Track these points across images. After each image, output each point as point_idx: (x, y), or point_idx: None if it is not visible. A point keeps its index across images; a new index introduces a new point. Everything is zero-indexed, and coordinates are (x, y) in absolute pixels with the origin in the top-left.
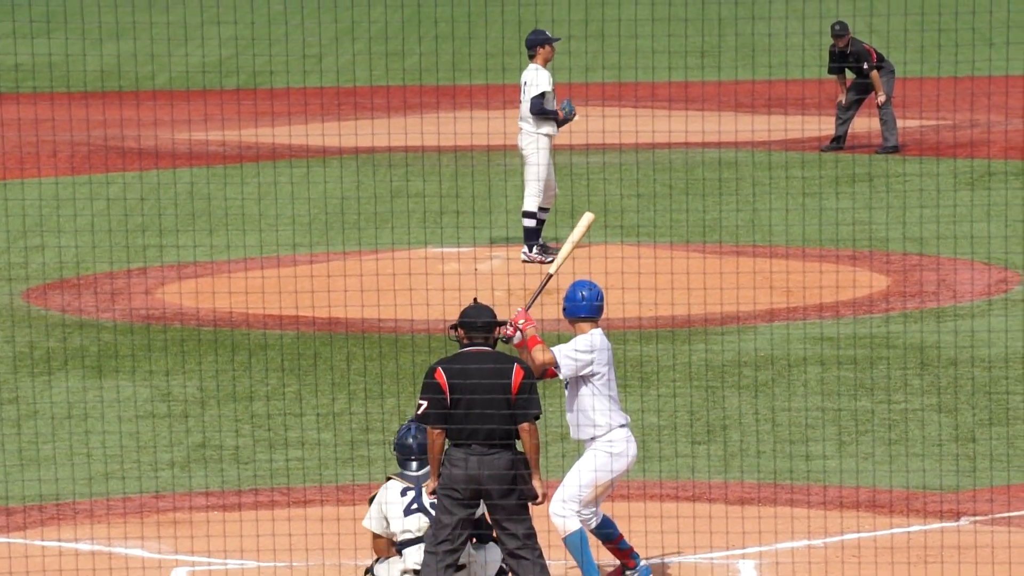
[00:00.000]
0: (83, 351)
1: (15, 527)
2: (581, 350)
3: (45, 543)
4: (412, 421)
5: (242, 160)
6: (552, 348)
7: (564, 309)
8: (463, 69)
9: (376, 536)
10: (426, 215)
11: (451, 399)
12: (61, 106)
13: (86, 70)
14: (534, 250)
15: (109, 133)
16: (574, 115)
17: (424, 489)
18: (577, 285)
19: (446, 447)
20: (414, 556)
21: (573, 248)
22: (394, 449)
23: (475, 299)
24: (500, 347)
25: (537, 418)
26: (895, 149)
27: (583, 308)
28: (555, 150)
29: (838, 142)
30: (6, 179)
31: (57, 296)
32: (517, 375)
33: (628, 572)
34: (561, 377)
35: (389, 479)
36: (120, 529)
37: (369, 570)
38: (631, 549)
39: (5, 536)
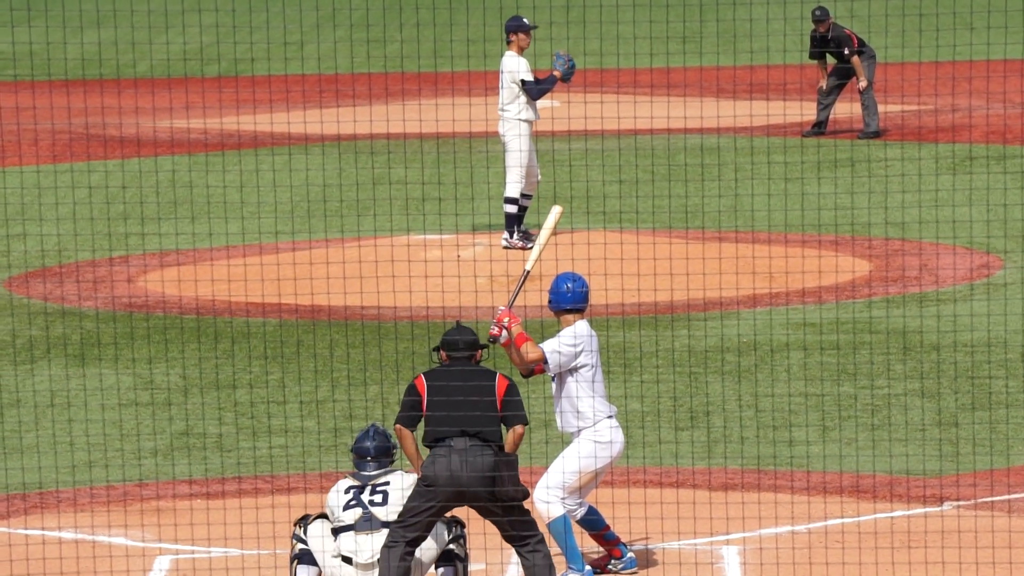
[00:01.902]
0: (66, 339)
1: None
2: (566, 343)
3: (28, 531)
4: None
5: (224, 148)
6: (539, 345)
7: (549, 301)
8: (445, 56)
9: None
10: (408, 202)
11: (429, 401)
12: (42, 94)
13: (67, 58)
14: (515, 236)
15: (91, 121)
16: (572, 64)
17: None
18: (562, 277)
19: (430, 449)
20: (346, 543)
21: (546, 243)
22: (351, 450)
23: (457, 322)
24: (486, 357)
25: (527, 423)
26: (876, 134)
27: (568, 300)
28: (537, 136)
29: (820, 127)
30: None
31: (39, 284)
32: (501, 384)
33: (614, 561)
34: (548, 373)
35: (343, 479)
36: (103, 517)
37: (301, 521)
38: (617, 539)
39: None
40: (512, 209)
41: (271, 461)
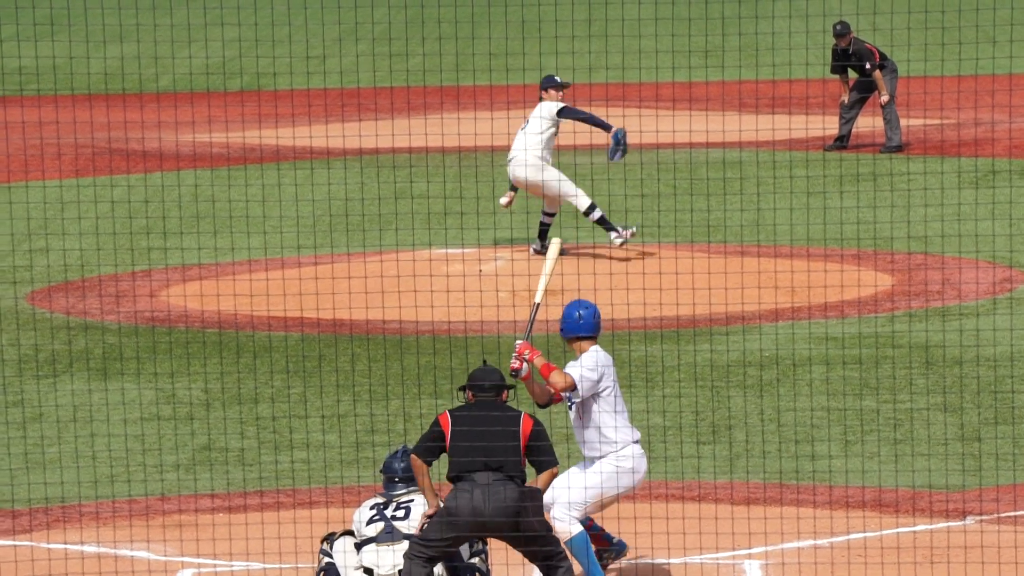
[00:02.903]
0: (88, 353)
1: (21, 530)
2: (589, 367)
3: (51, 546)
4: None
5: (246, 162)
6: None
7: (562, 330)
8: (466, 70)
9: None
10: (430, 216)
11: (453, 437)
12: (65, 108)
13: (90, 72)
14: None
15: (113, 135)
16: (623, 146)
17: (425, 515)
18: (573, 305)
19: (452, 484)
20: (368, 555)
21: (551, 275)
22: (380, 471)
23: (484, 361)
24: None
25: (558, 464)
26: (899, 148)
27: (582, 327)
28: (559, 150)
29: (842, 141)
30: (10, 182)
31: (61, 298)
32: (526, 424)
33: (606, 554)
34: (575, 399)
35: (371, 497)
36: (126, 531)
37: (327, 537)
38: (601, 530)
39: (11, 539)
40: (547, 221)
41: (293, 475)
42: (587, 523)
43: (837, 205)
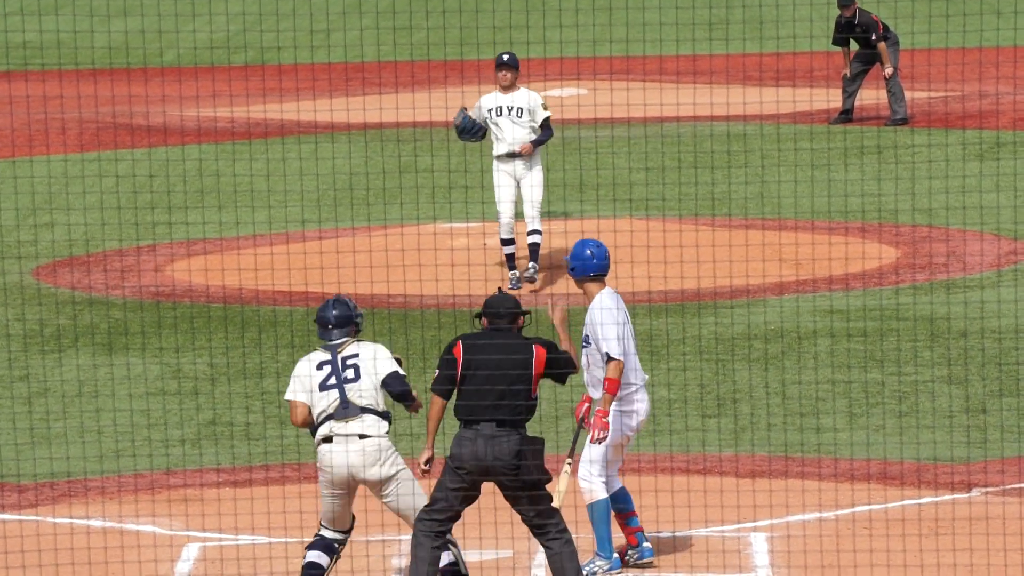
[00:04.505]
0: (93, 328)
1: (27, 504)
2: (610, 322)
3: (57, 520)
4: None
5: (251, 136)
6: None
7: (572, 269)
8: (471, 44)
9: (294, 405)
10: (435, 190)
11: (462, 374)
12: (69, 83)
13: (94, 47)
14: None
15: (117, 110)
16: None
17: (419, 461)
18: (582, 243)
19: (460, 423)
20: (324, 455)
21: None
22: (314, 321)
23: (499, 288)
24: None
25: (576, 370)
26: (904, 121)
27: (594, 266)
28: (563, 124)
29: (847, 115)
30: (15, 156)
31: (67, 273)
32: (539, 355)
33: (630, 551)
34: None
35: (314, 352)
36: (132, 506)
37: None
38: (639, 528)
39: (17, 513)
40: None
41: (298, 449)
42: (628, 511)
43: (842, 178)
